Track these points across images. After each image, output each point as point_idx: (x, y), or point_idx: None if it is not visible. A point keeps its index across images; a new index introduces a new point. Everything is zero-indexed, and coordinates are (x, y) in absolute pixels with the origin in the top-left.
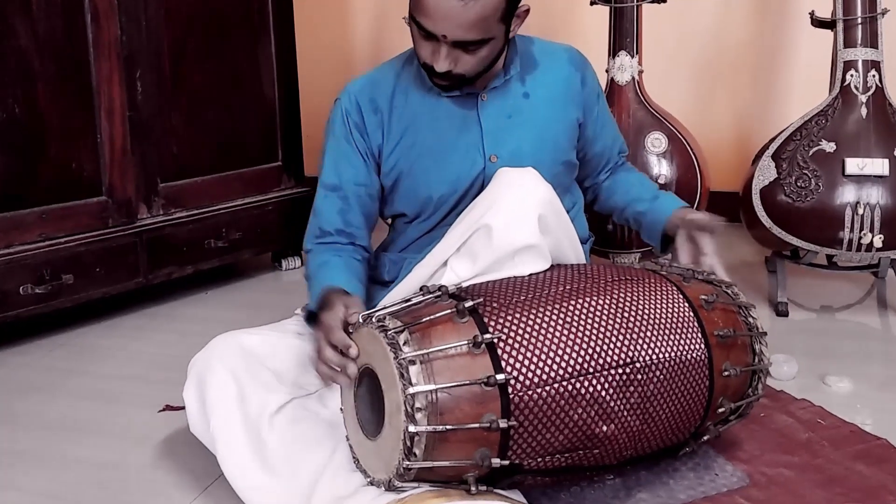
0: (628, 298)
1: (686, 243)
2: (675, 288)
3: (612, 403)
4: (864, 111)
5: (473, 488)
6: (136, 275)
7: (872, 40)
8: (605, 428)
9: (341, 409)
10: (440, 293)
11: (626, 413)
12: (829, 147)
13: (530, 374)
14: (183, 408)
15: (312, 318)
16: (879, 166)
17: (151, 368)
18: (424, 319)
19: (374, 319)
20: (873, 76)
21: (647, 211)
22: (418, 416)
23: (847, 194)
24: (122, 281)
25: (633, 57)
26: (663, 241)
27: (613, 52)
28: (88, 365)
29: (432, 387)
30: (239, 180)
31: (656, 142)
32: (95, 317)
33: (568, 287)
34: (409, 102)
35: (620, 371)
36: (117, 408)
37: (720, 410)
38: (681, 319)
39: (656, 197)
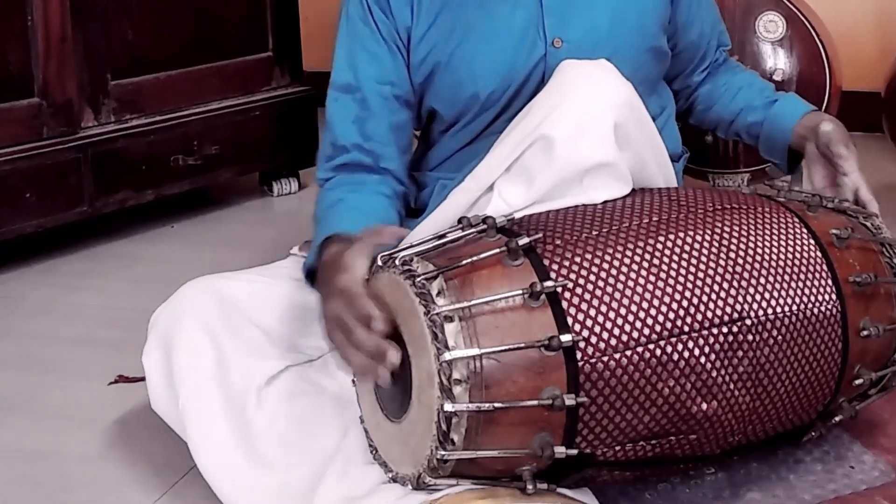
0: (734, 234)
1: (819, 161)
2: (796, 219)
3: (713, 374)
4: None
5: (530, 486)
6: (80, 202)
7: None
8: (704, 406)
9: (354, 381)
10: (485, 227)
11: (732, 386)
12: None
13: (605, 335)
14: (142, 378)
15: (312, 276)
16: None
17: (99, 326)
18: (465, 262)
19: (397, 262)
20: None
21: (763, 121)
22: (457, 390)
23: None
24: (60, 210)
25: None
26: (790, 158)
27: None
28: (14, 322)
29: (476, 351)
30: (216, 76)
31: (770, 25)
32: (24, 258)
33: (655, 219)
34: None
35: (725, 330)
36: (53, 379)
37: (857, 382)
38: (804, 261)
39: (773, 101)
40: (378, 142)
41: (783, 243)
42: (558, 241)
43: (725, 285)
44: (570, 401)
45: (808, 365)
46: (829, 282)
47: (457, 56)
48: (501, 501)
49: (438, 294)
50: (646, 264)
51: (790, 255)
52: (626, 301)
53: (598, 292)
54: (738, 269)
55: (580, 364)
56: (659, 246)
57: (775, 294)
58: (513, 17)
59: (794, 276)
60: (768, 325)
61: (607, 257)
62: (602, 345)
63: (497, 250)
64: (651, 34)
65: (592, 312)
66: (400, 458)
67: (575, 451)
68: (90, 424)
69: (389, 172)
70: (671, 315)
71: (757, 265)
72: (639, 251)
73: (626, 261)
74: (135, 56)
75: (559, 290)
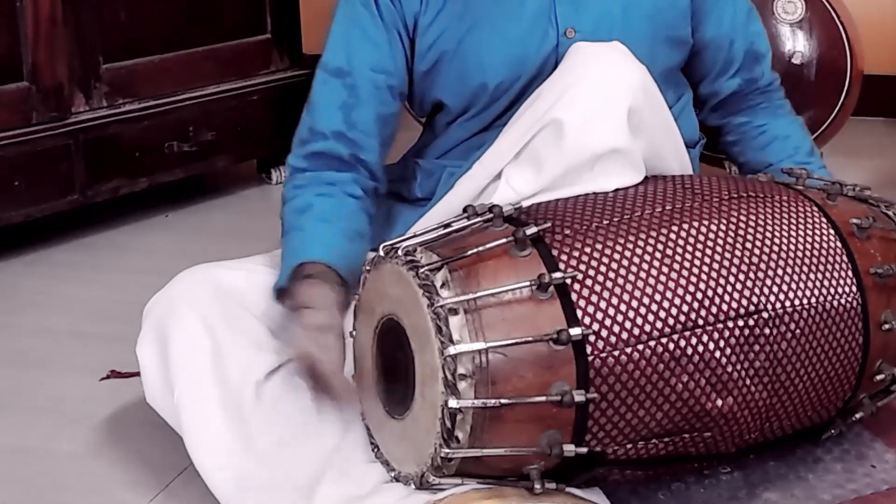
0: (751, 223)
1: None
2: (815, 208)
3: (729, 368)
4: None
5: (538, 486)
6: (70, 190)
7: None
8: (719, 402)
9: (353, 377)
10: (492, 216)
11: (748, 382)
12: None
13: (616, 328)
14: (136, 373)
15: (284, 294)
16: None
17: (91, 319)
18: (470, 252)
19: (400, 252)
20: None
21: None
22: (462, 386)
23: None
24: (50, 198)
25: None
26: None
27: None
28: (2, 315)
29: (481, 345)
30: (212, 60)
31: (789, 6)
32: (13, 248)
33: (668, 207)
34: None
35: (741, 324)
36: (43, 374)
37: (878, 378)
38: (824, 252)
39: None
40: (362, 131)
41: (801, 233)
42: (567, 231)
43: (741, 277)
44: (579, 397)
45: (828, 360)
46: (850, 273)
47: (465, 44)
48: (508, 502)
49: (443, 285)
50: (658, 255)
51: (809, 246)
52: (637, 293)
53: (609, 284)
54: (755, 259)
55: (590, 359)
56: (672, 236)
57: (793, 286)
58: (524, 5)
59: (813, 268)
60: (786, 319)
61: (618, 248)
62: (613, 339)
63: (504, 240)
64: (667, 23)
65: (603, 305)
66: (402, 457)
67: (585, 450)
68: (82, 421)
69: (365, 165)
70: (685, 308)
71: (774, 256)
72: (651, 241)
73: (638, 251)
74: (128, 38)
75: (568, 281)
